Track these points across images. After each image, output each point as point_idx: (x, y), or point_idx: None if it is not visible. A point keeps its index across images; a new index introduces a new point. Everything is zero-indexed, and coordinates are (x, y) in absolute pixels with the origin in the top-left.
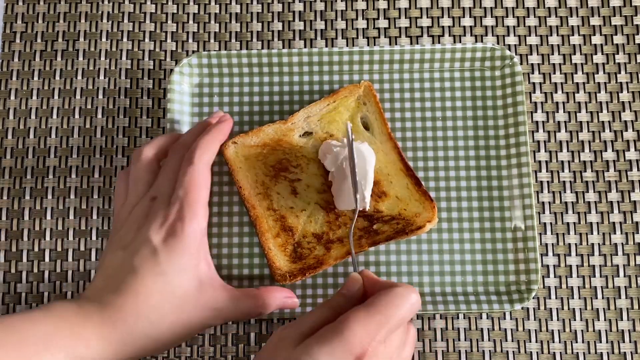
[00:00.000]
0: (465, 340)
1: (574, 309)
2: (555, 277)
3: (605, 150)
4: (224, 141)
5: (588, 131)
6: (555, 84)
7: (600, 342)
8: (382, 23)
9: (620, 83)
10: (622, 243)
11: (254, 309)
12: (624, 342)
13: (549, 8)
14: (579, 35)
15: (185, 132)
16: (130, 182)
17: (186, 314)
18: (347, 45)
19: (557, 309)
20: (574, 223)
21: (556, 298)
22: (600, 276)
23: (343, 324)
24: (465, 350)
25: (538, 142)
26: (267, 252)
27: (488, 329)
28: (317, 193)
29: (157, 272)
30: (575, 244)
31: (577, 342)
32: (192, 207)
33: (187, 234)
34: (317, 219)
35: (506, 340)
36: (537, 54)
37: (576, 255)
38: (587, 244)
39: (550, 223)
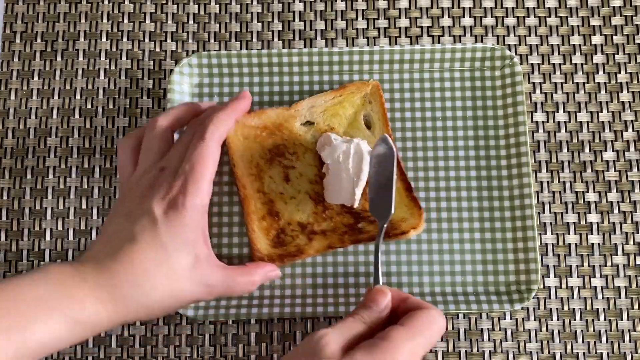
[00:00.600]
0: (465, 340)
1: (574, 309)
2: (555, 277)
3: (605, 150)
4: None
5: (588, 131)
6: (555, 84)
7: (600, 342)
8: (382, 23)
9: (620, 83)
10: (622, 243)
11: (244, 285)
12: (624, 342)
13: (549, 8)
14: (579, 35)
15: (206, 107)
16: (142, 151)
17: (179, 287)
18: (347, 45)
19: (557, 309)
20: (574, 223)
21: (556, 298)
22: (600, 276)
23: (391, 345)
24: (465, 350)
25: (538, 142)
26: (250, 233)
27: (488, 329)
28: (308, 183)
29: (155, 242)
30: (575, 244)
31: (577, 342)
32: (196, 182)
33: (188, 208)
34: (305, 208)
35: (506, 340)
36: (537, 54)
37: (576, 255)
38: (587, 244)
39: (550, 223)
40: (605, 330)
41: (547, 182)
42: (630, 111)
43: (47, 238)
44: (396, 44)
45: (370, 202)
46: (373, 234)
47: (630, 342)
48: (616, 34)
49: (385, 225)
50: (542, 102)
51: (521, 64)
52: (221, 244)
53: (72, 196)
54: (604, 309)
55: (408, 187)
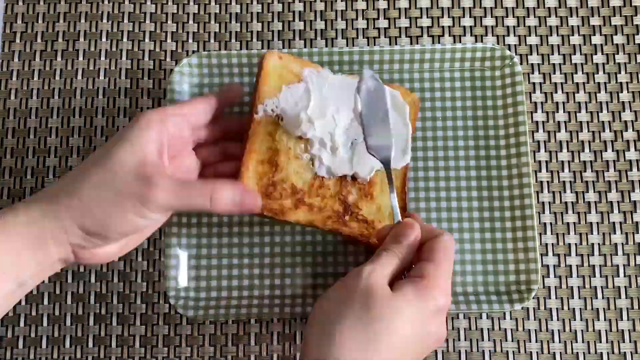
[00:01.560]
0: (465, 340)
1: (574, 309)
2: (555, 277)
3: (605, 150)
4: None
5: (588, 131)
6: (555, 84)
7: (600, 342)
8: (382, 23)
9: (620, 83)
10: (622, 243)
11: (201, 204)
12: (624, 342)
13: (549, 8)
14: (579, 35)
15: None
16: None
17: (127, 209)
18: (347, 45)
19: (557, 309)
20: (574, 223)
21: (556, 298)
22: (600, 276)
23: (431, 282)
24: (465, 350)
25: (538, 142)
26: (242, 169)
27: (488, 329)
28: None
29: (98, 158)
30: (575, 244)
31: (577, 342)
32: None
33: (137, 120)
34: (304, 175)
35: (506, 340)
36: (537, 54)
37: (576, 255)
38: (587, 244)
39: (550, 223)
40: (605, 330)
41: (547, 182)
42: (630, 111)
43: None
44: (396, 44)
45: (368, 140)
46: (354, 231)
47: (630, 342)
48: (616, 34)
49: (391, 159)
50: (542, 102)
51: (521, 64)
52: None
53: None
54: (604, 308)
55: (404, 205)
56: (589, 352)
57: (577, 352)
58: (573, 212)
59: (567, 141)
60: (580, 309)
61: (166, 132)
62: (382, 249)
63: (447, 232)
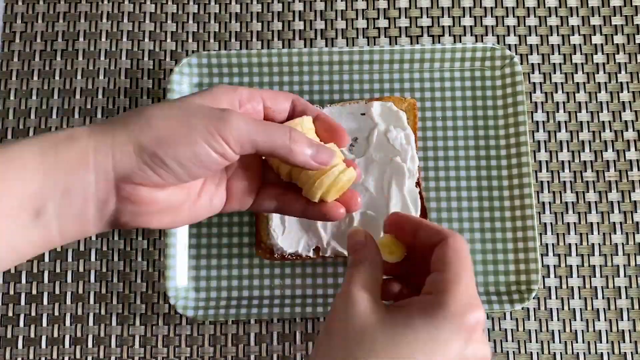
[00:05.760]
0: None
1: (574, 309)
2: (555, 277)
3: (606, 150)
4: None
5: (588, 131)
6: (556, 83)
7: (601, 342)
8: (382, 23)
9: (621, 83)
10: (622, 243)
11: (281, 142)
12: (624, 342)
13: (549, 8)
14: (579, 35)
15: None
16: None
17: (197, 131)
18: (347, 45)
19: (557, 309)
20: (574, 223)
21: (556, 298)
22: (601, 276)
23: (444, 297)
24: None
25: (538, 142)
26: None
27: (488, 329)
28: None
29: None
30: (576, 244)
31: (577, 342)
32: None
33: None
34: None
35: (506, 341)
36: (537, 54)
37: (576, 255)
38: (588, 244)
39: (551, 223)
40: (606, 331)
41: (547, 182)
42: (631, 111)
43: None
44: (396, 44)
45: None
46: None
47: (630, 342)
48: (616, 34)
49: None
50: (542, 102)
51: (521, 63)
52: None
53: None
54: (604, 309)
55: (424, 211)
56: (589, 353)
57: (578, 353)
58: (573, 212)
59: (567, 141)
60: (580, 309)
61: (237, 97)
62: (351, 267)
63: (455, 232)
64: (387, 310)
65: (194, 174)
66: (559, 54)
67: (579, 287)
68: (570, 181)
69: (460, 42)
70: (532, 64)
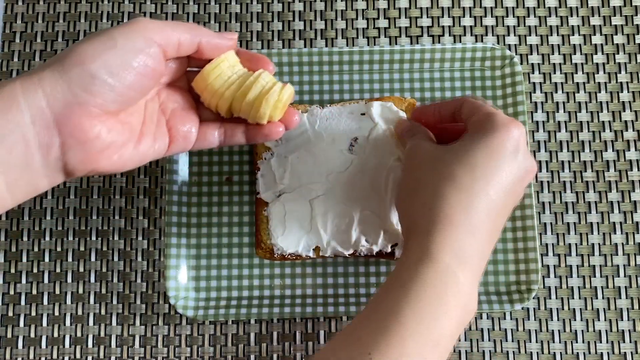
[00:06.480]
0: (465, 340)
1: (574, 309)
2: (555, 277)
3: (606, 150)
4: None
5: (588, 131)
6: (556, 83)
7: (601, 342)
8: (382, 23)
9: (621, 83)
10: (622, 243)
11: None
12: (624, 342)
13: (549, 8)
14: (579, 35)
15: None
16: None
17: (126, 38)
18: (347, 45)
19: (557, 309)
20: (574, 223)
21: (556, 298)
22: (601, 276)
23: (493, 119)
24: (466, 351)
25: (538, 142)
26: None
27: (488, 329)
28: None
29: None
30: (576, 244)
31: (577, 342)
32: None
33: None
34: None
35: (506, 340)
36: (537, 54)
37: (576, 255)
38: (588, 244)
39: (551, 223)
40: (606, 331)
41: (547, 182)
42: (631, 111)
43: (47, 238)
44: (396, 44)
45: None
46: None
47: (630, 342)
48: (616, 34)
49: None
50: (542, 102)
51: (521, 63)
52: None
53: (72, 196)
54: (604, 309)
55: None
56: (589, 353)
57: (578, 353)
58: (573, 212)
59: (567, 141)
60: (580, 309)
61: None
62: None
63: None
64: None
65: (129, 85)
66: (559, 54)
67: (579, 287)
68: (570, 181)
69: (460, 42)
70: (532, 64)
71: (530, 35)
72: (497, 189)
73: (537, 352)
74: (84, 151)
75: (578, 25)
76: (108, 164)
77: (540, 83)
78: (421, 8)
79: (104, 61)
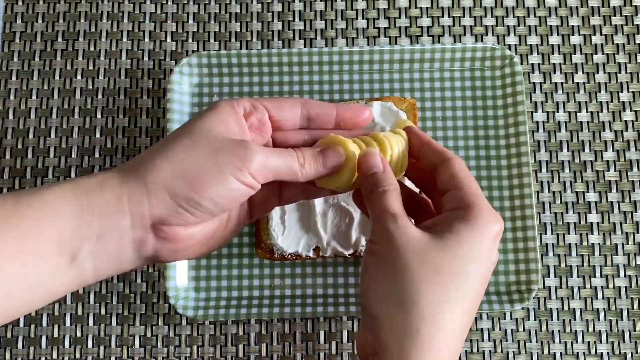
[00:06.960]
0: (465, 340)
1: (574, 309)
2: (555, 277)
3: (606, 150)
4: None
5: (588, 131)
6: (556, 83)
7: (601, 342)
8: (382, 23)
9: (621, 83)
10: (622, 243)
11: (291, 164)
12: (624, 342)
13: (549, 8)
14: (579, 35)
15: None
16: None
17: (225, 167)
18: (347, 45)
19: (557, 309)
20: (574, 223)
21: (556, 298)
22: (601, 276)
23: (477, 212)
24: (466, 351)
25: (538, 142)
26: None
27: (488, 329)
28: None
29: (180, 130)
30: (576, 244)
31: (577, 342)
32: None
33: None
34: None
35: (506, 341)
36: (537, 54)
37: (576, 255)
38: (588, 244)
39: (551, 223)
40: (606, 331)
41: (548, 182)
42: (631, 111)
43: None
44: (396, 44)
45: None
46: None
47: (630, 342)
48: (616, 34)
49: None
50: (542, 102)
51: (521, 63)
52: None
53: None
54: (604, 309)
55: None
56: (589, 353)
57: (578, 353)
58: (573, 212)
59: (567, 141)
60: (580, 309)
61: (241, 110)
62: (366, 195)
63: (455, 156)
64: (425, 231)
65: (226, 208)
66: (559, 54)
67: (579, 287)
68: (570, 181)
69: (460, 42)
70: (532, 64)
71: (530, 35)
72: (478, 301)
73: (537, 352)
74: (176, 248)
75: (578, 25)
76: (198, 254)
77: (540, 83)
78: (421, 8)
79: (213, 195)
